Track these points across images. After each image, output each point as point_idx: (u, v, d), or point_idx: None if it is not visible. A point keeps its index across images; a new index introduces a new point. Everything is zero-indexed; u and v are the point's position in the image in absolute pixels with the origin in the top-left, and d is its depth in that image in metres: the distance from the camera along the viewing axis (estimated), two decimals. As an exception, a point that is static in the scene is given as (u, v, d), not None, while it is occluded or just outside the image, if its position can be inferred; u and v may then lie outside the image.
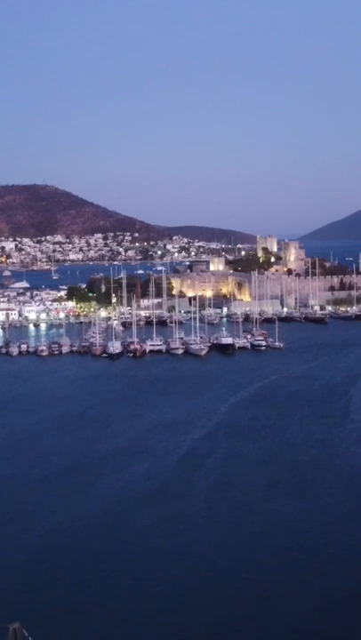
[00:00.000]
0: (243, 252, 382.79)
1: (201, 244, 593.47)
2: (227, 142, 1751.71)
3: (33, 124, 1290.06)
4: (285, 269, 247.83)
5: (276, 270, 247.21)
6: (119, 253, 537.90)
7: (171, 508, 66.37)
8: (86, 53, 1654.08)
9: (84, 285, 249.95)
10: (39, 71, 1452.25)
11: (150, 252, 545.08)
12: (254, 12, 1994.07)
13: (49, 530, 61.40)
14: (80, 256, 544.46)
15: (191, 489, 71.15)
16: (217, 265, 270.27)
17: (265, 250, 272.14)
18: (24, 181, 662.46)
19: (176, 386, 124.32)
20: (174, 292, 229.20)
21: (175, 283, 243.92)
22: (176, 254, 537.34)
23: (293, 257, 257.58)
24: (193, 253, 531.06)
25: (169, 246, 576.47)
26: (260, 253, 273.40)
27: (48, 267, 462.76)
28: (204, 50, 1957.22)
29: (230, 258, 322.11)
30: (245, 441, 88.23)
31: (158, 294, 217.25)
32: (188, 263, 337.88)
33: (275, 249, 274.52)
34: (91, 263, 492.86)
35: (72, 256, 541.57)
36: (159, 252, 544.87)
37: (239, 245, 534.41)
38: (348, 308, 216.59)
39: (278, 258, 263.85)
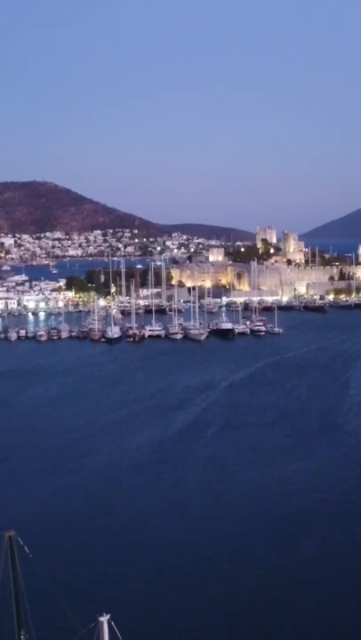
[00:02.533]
0: (242, 250, 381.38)
1: (200, 240, 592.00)
2: (226, 141, 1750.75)
3: (32, 121, 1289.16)
4: (285, 260, 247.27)
5: (276, 261, 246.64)
6: (118, 249, 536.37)
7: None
8: (86, 51, 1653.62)
9: (83, 277, 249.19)
10: (38, 68, 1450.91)
11: (150, 249, 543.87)
12: (254, 17, 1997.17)
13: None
14: (79, 252, 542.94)
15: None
16: (216, 256, 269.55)
17: (264, 241, 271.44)
18: (23, 178, 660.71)
19: (181, 363, 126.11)
20: (173, 283, 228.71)
21: (174, 273, 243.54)
22: (175, 250, 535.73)
23: (293, 248, 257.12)
24: (192, 250, 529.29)
25: (168, 243, 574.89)
26: (259, 244, 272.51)
27: (47, 262, 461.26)
28: (205, 50, 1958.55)
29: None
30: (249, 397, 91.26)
31: (157, 284, 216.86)
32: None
33: (274, 240, 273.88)
34: (90, 259, 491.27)
35: (71, 252, 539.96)
36: (158, 249, 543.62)
37: (238, 243, 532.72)
38: (348, 298, 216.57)
39: (278, 249, 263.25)
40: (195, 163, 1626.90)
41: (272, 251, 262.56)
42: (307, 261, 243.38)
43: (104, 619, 21.92)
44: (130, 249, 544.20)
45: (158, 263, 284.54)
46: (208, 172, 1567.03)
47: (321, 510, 56.31)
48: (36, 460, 70.56)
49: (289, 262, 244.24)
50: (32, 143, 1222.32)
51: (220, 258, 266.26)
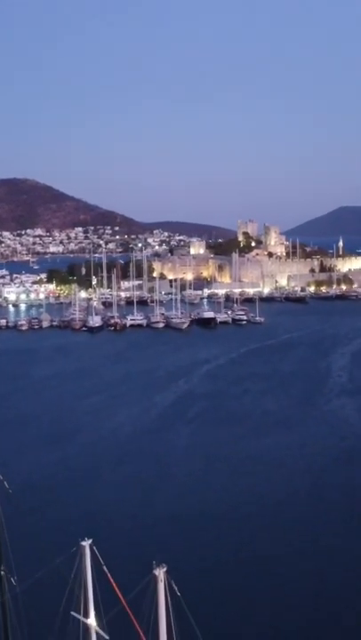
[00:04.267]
0: (223, 242, 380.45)
1: (182, 238, 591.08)
2: (209, 140, 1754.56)
3: (13, 119, 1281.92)
4: (266, 253, 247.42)
5: (257, 254, 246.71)
6: (100, 246, 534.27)
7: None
8: (68, 50, 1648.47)
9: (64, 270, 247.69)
10: (18, 65, 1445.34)
11: (131, 245, 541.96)
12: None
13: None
14: (60, 249, 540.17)
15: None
16: (198, 249, 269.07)
17: (246, 234, 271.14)
18: (4, 175, 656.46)
19: (164, 349, 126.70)
20: (155, 275, 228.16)
21: (156, 266, 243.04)
22: (157, 247, 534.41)
23: (274, 241, 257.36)
24: (174, 246, 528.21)
25: (150, 240, 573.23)
26: (240, 237, 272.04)
27: (28, 258, 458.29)
28: (187, 49, 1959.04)
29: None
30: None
31: (139, 276, 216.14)
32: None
33: (255, 234, 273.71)
34: (71, 256, 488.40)
35: (52, 249, 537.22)
36: (140, 245, 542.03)
37: (220, 240, 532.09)
38: (329, 289, 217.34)
39: (259, 242, 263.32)
40: (177, 161, 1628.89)
41: (253, 244, 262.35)
42: (288, 254, 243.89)
43: (86, 543, 21.60)
44: (111, 246, 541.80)
45: (139, 258, 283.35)
46: (190, 171, 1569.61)
47: (303, 478, 56.57)
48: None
49: (270, 255, 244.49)
50: (13, 140, 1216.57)
51: (202, 251, 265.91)
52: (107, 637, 21.75)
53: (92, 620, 22.00)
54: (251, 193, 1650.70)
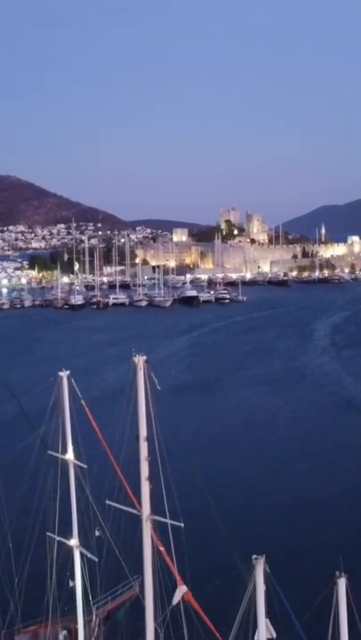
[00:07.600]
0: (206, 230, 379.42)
1: (165, 234, 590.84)
2: (191, 138, 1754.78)
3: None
4: (249, 240, 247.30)
5: (240, 241, 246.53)
6: (82, 242, 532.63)
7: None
8: (50, 41, 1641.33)
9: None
10: None
11: (113, 241, 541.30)
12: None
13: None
14: (42, 244, 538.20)
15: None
16: (180, 236, 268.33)
17: (228, 222, 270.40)
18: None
19: (147, 322, 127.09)
20: (138, 261, 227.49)
21: (139, 253, 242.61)
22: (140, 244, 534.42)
23: (256, 228, 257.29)
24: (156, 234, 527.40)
25: (132, 236, 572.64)
26: (223, 225, 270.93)
27: (10, 253, 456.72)
28: (169, 44, 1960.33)
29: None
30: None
31: (122, 263, 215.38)
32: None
33: (237, 222, 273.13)
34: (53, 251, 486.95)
35: (34, 244, 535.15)
36: (122, 241, 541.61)
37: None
38: (311, 274, 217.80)
39: (241, 230, 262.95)
40: (160, 159, 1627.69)
41: (236, 232, 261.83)
42: (270, 241, 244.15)
43: (64, 374, 21.20)
44: (94, 241, 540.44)
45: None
46: (173, 169, 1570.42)
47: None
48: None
49: (253, 242, 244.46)
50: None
51: (184, 238, 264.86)
52: (84, 466, 21.25)
53: (69, 455, 21.46)
54: (234, 192, 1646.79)
